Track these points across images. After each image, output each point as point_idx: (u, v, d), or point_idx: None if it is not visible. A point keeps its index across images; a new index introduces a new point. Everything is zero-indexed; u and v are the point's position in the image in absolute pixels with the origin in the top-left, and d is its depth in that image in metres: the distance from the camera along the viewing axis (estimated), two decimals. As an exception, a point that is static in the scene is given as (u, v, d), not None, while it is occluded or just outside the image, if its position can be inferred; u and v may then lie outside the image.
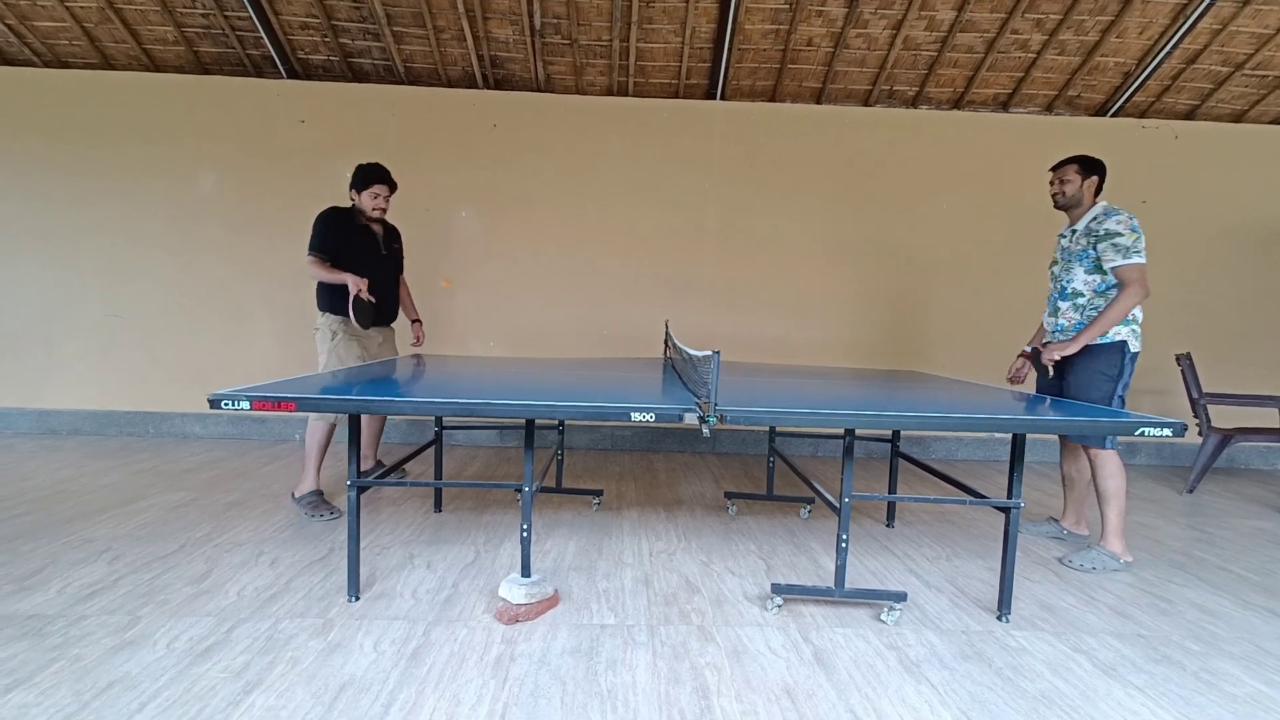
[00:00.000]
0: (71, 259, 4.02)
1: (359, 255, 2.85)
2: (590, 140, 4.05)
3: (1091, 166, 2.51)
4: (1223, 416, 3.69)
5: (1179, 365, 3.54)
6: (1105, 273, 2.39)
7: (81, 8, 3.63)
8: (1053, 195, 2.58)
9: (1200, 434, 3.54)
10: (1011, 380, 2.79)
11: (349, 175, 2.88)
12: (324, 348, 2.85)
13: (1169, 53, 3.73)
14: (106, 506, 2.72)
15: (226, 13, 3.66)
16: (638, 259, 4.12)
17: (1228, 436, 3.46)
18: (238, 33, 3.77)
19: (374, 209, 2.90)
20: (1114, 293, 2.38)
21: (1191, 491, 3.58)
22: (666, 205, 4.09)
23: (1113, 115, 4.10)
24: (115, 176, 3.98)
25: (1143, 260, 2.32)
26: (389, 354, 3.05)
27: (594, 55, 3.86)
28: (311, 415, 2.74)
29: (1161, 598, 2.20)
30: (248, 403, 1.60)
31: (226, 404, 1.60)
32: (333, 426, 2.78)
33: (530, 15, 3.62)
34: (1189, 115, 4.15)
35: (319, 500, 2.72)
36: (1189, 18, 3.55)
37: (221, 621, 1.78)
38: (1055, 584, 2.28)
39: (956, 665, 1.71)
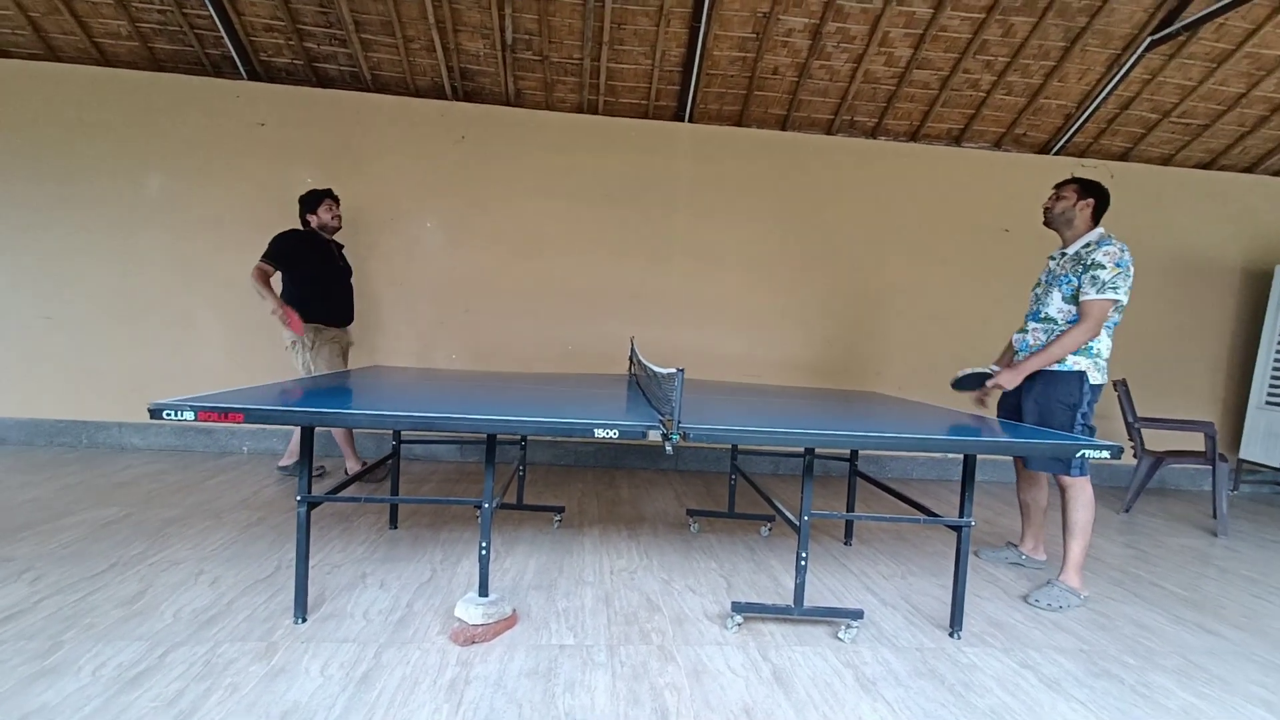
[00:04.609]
0: (1, 257, 3.78)
1: (322, 269, 3.30)
2: (559, 155, 4.06)
3: (1090, 190, 2.47)
4: (1155, 440, 3.91)
5: (1116, 391, 3.74)
6: (1079, 302, 2.36)
7: (28, -3, 3.47)
8: (1045, 208, 2.55)
9: (1135, 456, 3.73)
10: (979, 401, 2.78)
11: (310, 182, 3.00)
12: (304, 357, 3.23)
13: (1105, 98, 4.00)
14: (30, 523, 2.54)
15: (185, 10, 3.55)
16: (605, 275, 4.13)
17: (1160, 459, 3.67)
18: (196, 31, 3.66)
19: (334, 219, 3.34)
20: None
21: (1128, 511, 3.77)
22: (634, 222, 4.13)
23: (1055, 153, 4.36)
24: (55, 172, 3.78)
25: (1116, 297, 2.28)
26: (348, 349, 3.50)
27: (565, 73, 3.90)
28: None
29: (1101, 613, 2.29)
30: (192, 413, 1.53)
31: (169, 414, 1.52)
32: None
33: (502, 31, 3.63)
34: (1123, 156, 4.44)
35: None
36: (1122, 66, 3.82)
37: (154, 646, 1.67)
38: (1004, 600, 2.36)
39: (911, 682, 1.75)
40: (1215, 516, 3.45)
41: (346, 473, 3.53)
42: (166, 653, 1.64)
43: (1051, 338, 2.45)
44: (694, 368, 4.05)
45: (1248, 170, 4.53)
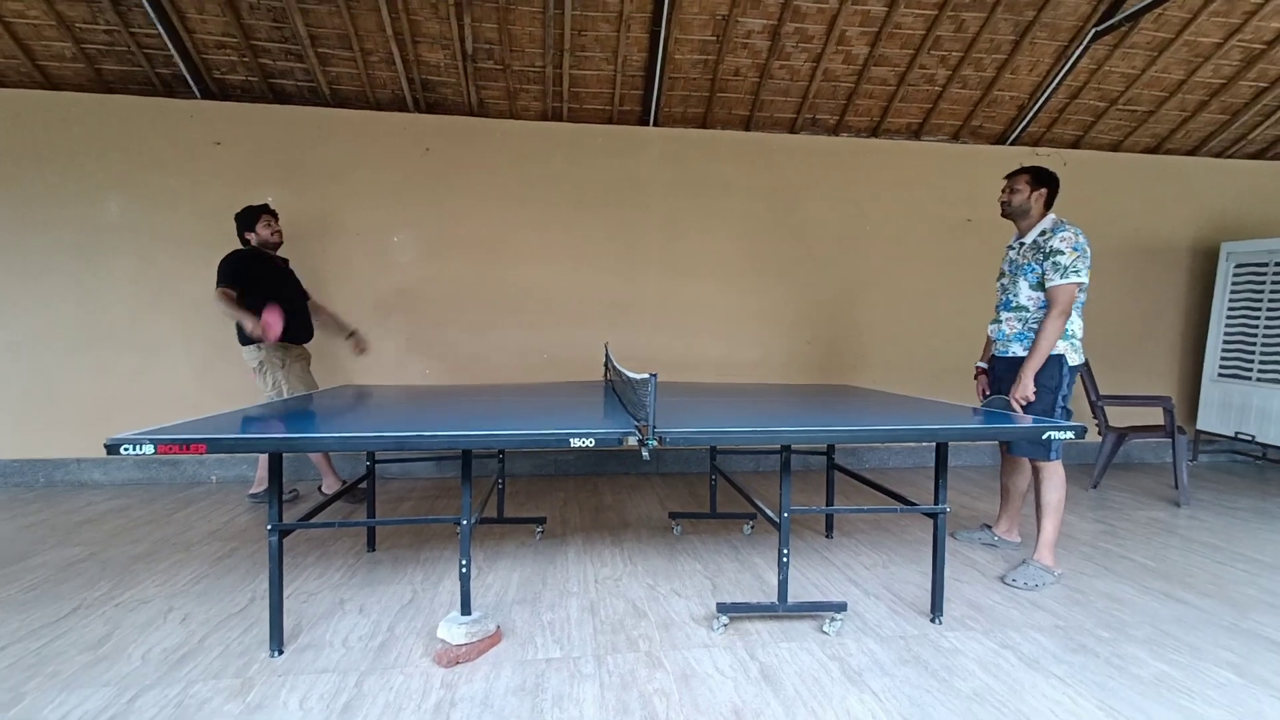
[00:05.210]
0: (-54, 292, 3.62)
1: (274, 288, 3.18)
2: (526, 164, 4.04)
3: (1042, 179, 2.53)
4: (1118, 416, 4.04)
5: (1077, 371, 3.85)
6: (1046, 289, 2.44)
7: (-39, 20, 3.33)
8: (1001, 202, 2.62)
9: (1100, 433, 3.85)
10: (984, 397, 2.80)
11: (271, 200, 2.95)
12: (275, 378, 3.15)
13: (1055, 88, 4.12)
14: (-14, 568, 2.43)
15: (132, 29, 3.45)
16: (578, 281, 4.11)
17: (1123, 435, 3.79)
18: (145, 50, 3.55)
19: (274, 235, 3.25)
20: None
21: (1095, 487, 3.88)
22: (605, 228, 4.13)
23: (1011, 143, 4.48)
24: (6, 199, 3.63)
25: (1079, 279, 2.36)
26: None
27: (527, 81, 3.88)
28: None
29: (1075, 589, 2.36)
30: (152, 446, 1.48)
31: (127, 449, 1.47)
32: None
33: (462, 41, 3.60)
34: (1075, 144, 4.59)
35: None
36: (1070, 58, 3.94)
37: (122, 691, 1.61)
38: (982, 583, 2.41)
39: (896, 671, 1.77)
40: (1177, 487, 3.57)
41: (322, 492, 3.45)
42: (135, 697, 1.58)
43: (1028, 327, 2.53)
44: (673, 372, 4.06)
45: (1191, 153, 4.71)
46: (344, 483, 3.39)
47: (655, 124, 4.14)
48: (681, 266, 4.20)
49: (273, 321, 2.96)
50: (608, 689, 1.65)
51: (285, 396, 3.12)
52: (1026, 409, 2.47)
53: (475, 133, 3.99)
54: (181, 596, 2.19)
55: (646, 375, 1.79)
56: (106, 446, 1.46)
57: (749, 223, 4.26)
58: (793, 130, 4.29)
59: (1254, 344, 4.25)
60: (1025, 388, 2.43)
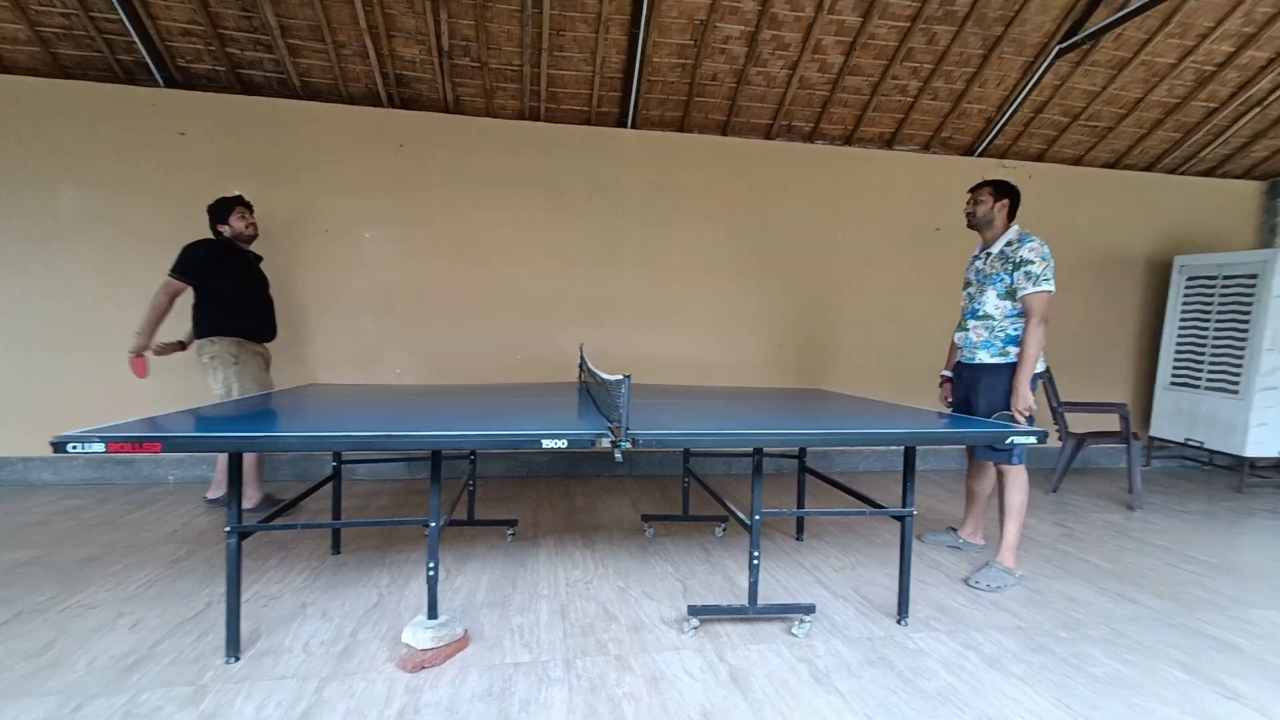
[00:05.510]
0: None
1: (241, 282, 3.10)
2: (503, 163, 4.00)
3: (1004, 190, 2.61)
4: (1077, 422, 4.17)
5: (1041, 379, 3.96)
6: (1015, 298, 2.51)
7: (-96, -4, 3.17)
8: (966, 214, 2.69)
9: (1060, 439, 3.97)
10: (948, 404, 2.88)
11: (237, 192, 2.88)
12: (225, 374, 2.99)
13: (1021, 103, 4.25)
14: (-80, 573, 2.30)
15: (92, 13, 3.32)
16: (555, 282, 4.09)
17: (1082, 440, 3.91)
18: (105, 36, 3.42)
19: (248, 227, 3.13)
20: (1021, 319, 2.51)
21: (1055, 491, 4.00)
22: (582, 228, 4.11)
23: (979, 155, 4.60)
24: (-56, 187, 3.46)
25: (1050, 288, 2.43)
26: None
27: (504, 79, 3.85)
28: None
29: (1035, 590, 2.42)
30: (102, 445, 1.42)
31: (75, 447, 1.41)
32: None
33: (438, 36, 3.55)
34: (1039, 157, 4.73)
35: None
36: (1035, 73, 4.07)
37: (66, 700, 1.54)
38: (947, 585, 2.46)
39: (863, 672, 1.79)
40: (1131, 491, 3.70)
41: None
42: (80, 706, 1.51)
43: (994, 335, 2.59)
44: (650, 373, 4.06)
45: (1147, 169, 4.90)
46: (266, 496, 3.17)
47: (633, 126, 4.14)
48: (657, 269, 4.21)
49: (139, 369, 2.96)
50: (576, 693, 1.64)
51: (235, 396, 2.94)
52: (988, 414, 2.54)
53: (450, 130, 3.94)
54: (133, 601, 2.10)
55: (620, 377, 1.78)
56: (53, 444, 1.40)
57: (724, 227, 4.29)
58: (768, 136, 4.34)
59: (1203, 354, 4.43)
60: (1025, 398, 2.48)
